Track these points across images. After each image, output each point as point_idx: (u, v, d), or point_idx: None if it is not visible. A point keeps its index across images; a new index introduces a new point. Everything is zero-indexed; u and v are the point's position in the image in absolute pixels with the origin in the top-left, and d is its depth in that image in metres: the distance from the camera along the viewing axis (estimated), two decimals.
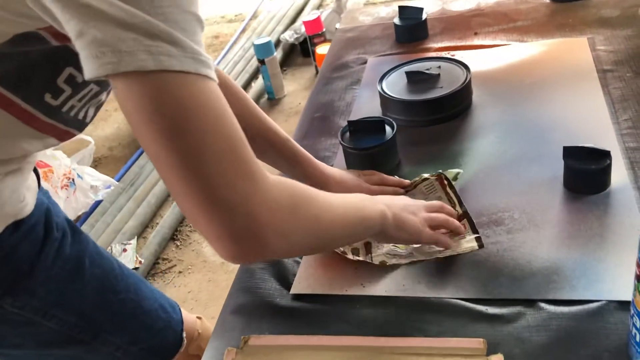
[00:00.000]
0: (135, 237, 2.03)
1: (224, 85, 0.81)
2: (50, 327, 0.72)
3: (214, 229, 0.50)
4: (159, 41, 0.45)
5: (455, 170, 0.88)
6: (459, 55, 1.22)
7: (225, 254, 0.51)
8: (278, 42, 3.13)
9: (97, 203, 2.28)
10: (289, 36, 3.06)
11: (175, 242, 2.06)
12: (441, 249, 0.76)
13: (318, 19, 2.76)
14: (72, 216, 2.25)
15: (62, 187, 2.30)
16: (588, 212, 0.77)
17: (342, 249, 0.79)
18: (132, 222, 2.10)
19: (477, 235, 0.77)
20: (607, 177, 0.80)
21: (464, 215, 0.80)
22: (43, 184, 2.41)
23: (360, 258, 0.78)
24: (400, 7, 1.35)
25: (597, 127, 0.92)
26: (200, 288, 1.85)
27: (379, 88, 1.07)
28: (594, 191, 0.80)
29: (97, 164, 2.63)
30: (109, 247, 1.99)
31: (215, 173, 0.48)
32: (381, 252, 0.79)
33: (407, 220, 0.73)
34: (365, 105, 1.14)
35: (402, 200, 0.76)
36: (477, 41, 1.27)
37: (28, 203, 0.69)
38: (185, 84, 0.47)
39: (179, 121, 0.47)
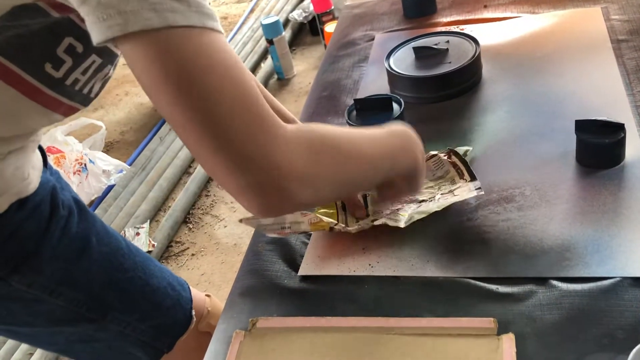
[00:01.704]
0: (148, 221, 2.04)
1: None
2: (59, 304, 0.73)
3: (236, 184, 0.50)
4: None
5: (464, 148, 0.87)
6: (468, 29, 1.19)
7: (251, 207, 0.52)
8: (287, 22, 3.10)
9: (110, 187, 2.29)
10: (297, 15, 3.02)
11: (188, 224, 2.06)
12: (439, 202, 0.77)
13: None
14: (86, 200, 2.27)
15: (74, 173, 2.31)
16: (601, 187, 0.75)
17: (343, 225, 0.78)
18: (144, 206, 2.11)
19: (477, 185, 0.77)
20: (621, 150, 0.77)
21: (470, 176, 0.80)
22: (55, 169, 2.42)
23: (362, 224, 0.77)
24: None
25: (612, 99, 0.89)
26: (213, 270, 1.86)
27: (386, 65, 1.05)
28: (608, 165, 0.78)
29: (108, 148, 2.64)
30: (122, 232, 2.00)
31: (230, 128, 0.48)
32: (382, 217, 0.78)
33: (423, 173, 0.74)
34: (372, 82, 1.12)
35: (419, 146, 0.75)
36: (487, 14, 1.24)
37: (32, 181, 0.69)
38: (191, 39, 0.47)
39: (188, 78, 0.47)
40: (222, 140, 0.48)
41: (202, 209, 2.13)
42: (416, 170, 0.71)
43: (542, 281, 0.66)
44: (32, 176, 0.69)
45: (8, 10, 0.53)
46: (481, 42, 1.04)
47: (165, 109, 0.48)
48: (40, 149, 0.77)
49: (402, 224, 0.76)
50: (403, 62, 1.06)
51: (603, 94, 0.91)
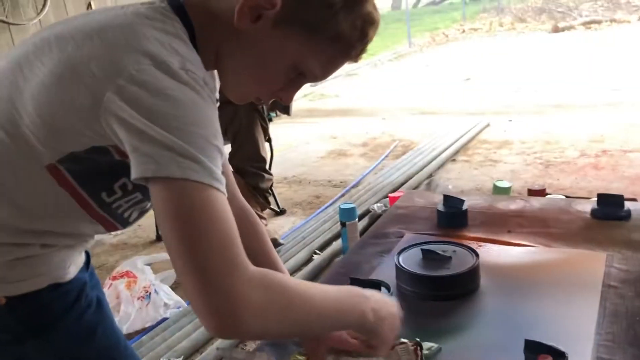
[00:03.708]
0: (182, 357, 2.16)
1: (247, 221, 1.01)
2: None
3: (198, 303, 0.66)
4: (188, 160, 0.67)
5: (431, 344, 0.96)
6: (487, 246, 1.32)
7: (207, 326, 0.67)
8: (368, 212, 3.36)
9: (164, 319, 2.48)
10: (377, 207, 3.29)
11: None
12: None
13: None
14: (139, 325, 2.46)
15: (138, 298, 2.54)
16: None
17: None
18: (185, 344, 2.25)
19: None
20: None
21: None
22: (124, 292, 2.66)
23: None
24: (445, 196, 1.50)
25: (579, 333, 0.97)
26: None
27: (395, 259, 1.20)
28: None
29: (177, 285, 2.87)
30: None
31: (206, 258, 0.66)
32: None
33: (383, 333, 0.84)
34: (384, 271, 1.26)
35: (391, 310, 0.86)
36: (507, 238, 1.37)
37: (69, 273, 0.89)
38: (198, 190, 0.67)
39: (187, 217, 0.67)
40: (197, 267, 0.66)
41: None
42: (365, 326, 0.82)
43: None
44: (71, 269, 0.89)
45: (87, 148, 0.77)
46: (491, 260, 1.17)
47: (166, 235, 0.68)
48: (87, 254, 0.98)
49: None
50: (411, 259, 1.20)
51: (574, 325, 0.99)
